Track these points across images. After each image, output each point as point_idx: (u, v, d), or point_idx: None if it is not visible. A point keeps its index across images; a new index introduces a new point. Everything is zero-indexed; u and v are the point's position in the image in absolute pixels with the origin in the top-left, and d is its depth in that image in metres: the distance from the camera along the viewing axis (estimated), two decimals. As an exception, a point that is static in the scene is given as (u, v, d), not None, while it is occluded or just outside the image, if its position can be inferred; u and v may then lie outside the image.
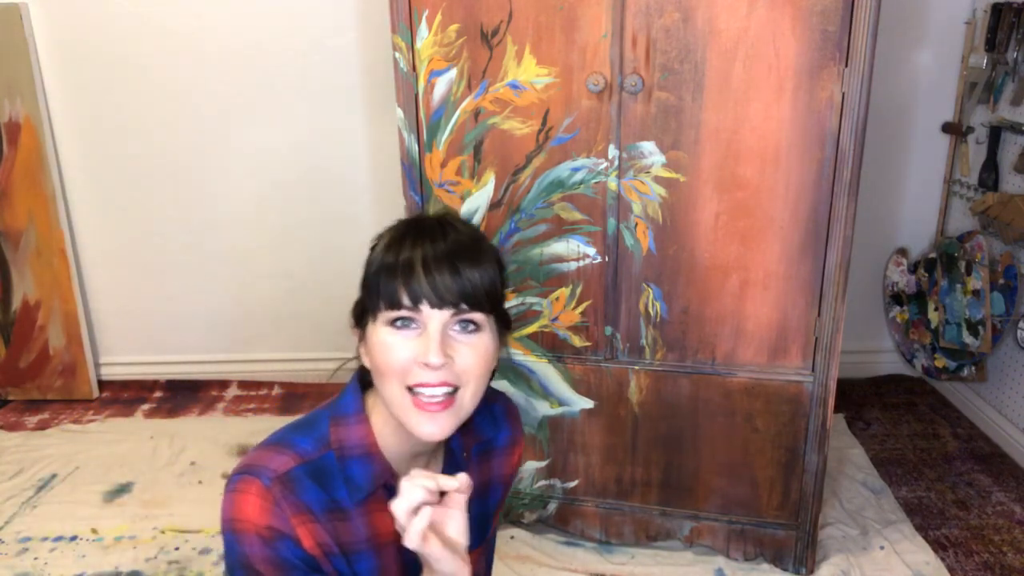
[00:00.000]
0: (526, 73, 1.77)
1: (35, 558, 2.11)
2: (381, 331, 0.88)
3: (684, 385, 1.91)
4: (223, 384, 3.09)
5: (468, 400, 0.90)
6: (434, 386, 0.86)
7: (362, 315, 0.93)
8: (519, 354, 1.98)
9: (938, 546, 2.11)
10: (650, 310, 1.88)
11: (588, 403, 1.98)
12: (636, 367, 1.92)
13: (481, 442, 1.06)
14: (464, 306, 0.87)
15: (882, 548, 2.09)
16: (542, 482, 2.08)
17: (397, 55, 1.80)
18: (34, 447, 2.65)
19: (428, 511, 0.82)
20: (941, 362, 2.75)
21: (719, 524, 2.02)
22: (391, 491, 0.90)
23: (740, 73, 1.68)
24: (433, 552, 0.82)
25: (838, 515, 2.22)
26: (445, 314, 0.86)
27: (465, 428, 1.00)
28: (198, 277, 2.99)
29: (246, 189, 2.88)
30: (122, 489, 2.42)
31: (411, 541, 0.81)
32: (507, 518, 2.14)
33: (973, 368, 2.68)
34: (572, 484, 2.07)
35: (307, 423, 0.95)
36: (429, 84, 1.81)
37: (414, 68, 1.81)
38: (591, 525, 2.10)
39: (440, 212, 0.96)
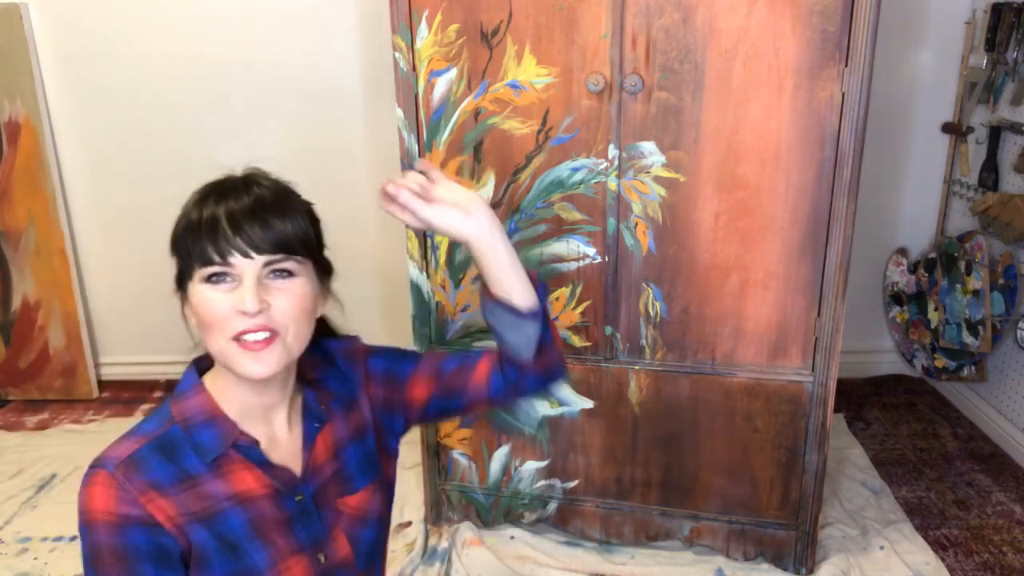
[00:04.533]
0: (526, 73, 1.76)
1: (35, 558, 2.11)
2: (200, 288, 0.93)
3: (684, 385, 1.91)
4: (223, 384, 3.09)
5: (291, 342, 0.95)
6: (254, 331, 0.92)
7: (181, 278, 0.96)
8: (519, 354, 1.97)
9: (938, 546, 2.11)
10: (650, 310, 1.88)
11: (588, 403, 1.98)
12: (636, 367, 1.92)
13: (337, 398, 1.09)
14: (275, 255, 0.92)
15: (882, 548, 2.09)
16: (542, 482, 2.08)
17: (397, 55, 1.80)
18: (34, 447, 2.65)
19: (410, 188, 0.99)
20: (941, 362, 2.75)
21: (719, 524, 2.02)
22: (244, 449, 0.98)
23: (740, 73, 1.68)
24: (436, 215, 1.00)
25: (838, 515, 2.22)
26: (256, 264, 0.91)
27: (317, 386, 1.07)
28: (198, 277, 2.99)
29: (246, 189, 2.88)
30: (122, 489, 2.42)
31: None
32: (507, 518, 2.14)
33: (973, 368, 2.68)
34: (572, 484, 2.07)
35: (153, 411, 1.01)
36: (429, 84, 1.81)
37: (414, 68, 1.81)
38: (591, 525, 2.10)
39: (248, 170, 0.99)
